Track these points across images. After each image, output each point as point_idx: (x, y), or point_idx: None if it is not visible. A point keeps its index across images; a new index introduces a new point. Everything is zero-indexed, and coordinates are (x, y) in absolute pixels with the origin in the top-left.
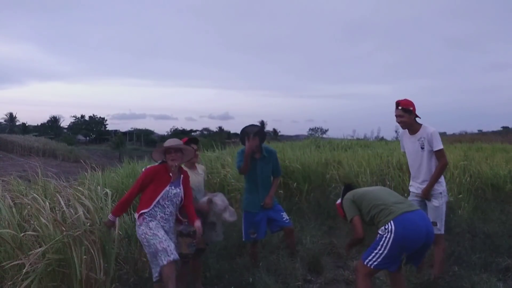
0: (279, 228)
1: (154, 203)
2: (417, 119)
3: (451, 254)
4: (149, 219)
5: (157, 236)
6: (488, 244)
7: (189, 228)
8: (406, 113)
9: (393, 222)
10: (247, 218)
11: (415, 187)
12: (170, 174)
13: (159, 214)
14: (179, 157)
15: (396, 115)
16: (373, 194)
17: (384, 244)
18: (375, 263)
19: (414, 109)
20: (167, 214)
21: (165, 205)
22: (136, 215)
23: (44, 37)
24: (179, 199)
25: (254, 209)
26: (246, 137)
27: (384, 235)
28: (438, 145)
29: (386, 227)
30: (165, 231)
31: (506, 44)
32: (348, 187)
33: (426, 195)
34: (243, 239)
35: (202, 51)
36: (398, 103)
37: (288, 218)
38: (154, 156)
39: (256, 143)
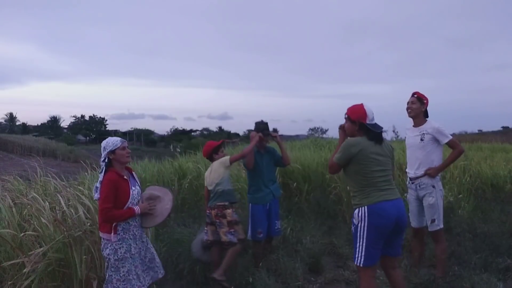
0: (270, 235)
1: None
2: (426, 118)
3: (451, 254)
4: (123, 236)
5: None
6: (488, 244)
7: (237, 216)
8: (418, 101)
9: (367, 210)
10: (255, 214)
11: (412, 173)
12: (125, 176)
13: (132, 223)
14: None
15: (408, 102)
16: (371, 168)
17: (361, 235)
18: (363, 259)
19: (427, 103)
20: (138, 220)
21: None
22: (101, 234)
23: (44, 37)
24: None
25: (265, 201)
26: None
27: (359, 225)
28: (446, 138)
29: (360, 213)
30: (139, 239)
31: (506, 44)
32: (363, 127)
33: (430, 172)
34: (249, 238)
35: (201, 51)
36: (414, 93)
37: (279, 227)
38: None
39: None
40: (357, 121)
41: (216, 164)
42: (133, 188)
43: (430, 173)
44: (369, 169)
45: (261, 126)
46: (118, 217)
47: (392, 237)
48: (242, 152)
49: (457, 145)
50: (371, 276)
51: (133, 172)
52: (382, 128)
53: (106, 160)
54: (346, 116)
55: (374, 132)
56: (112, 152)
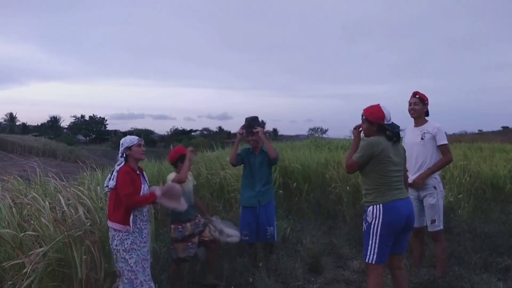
0: (260, 240)
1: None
2: (426, 117)
3: (451, 254)
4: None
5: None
6: (488, 244)
7: (183, 233)
8: (421, 102)
9: (382, 208)
10: (243, 216)
11: (412, 173)
12: (138, 172)
13: (139, 217)
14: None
15: (410, 102)
16: (389, 167)
17: (374, 232)
18: (374, 257)
19: (428, 103)
20: (145, 215)
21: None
22: (112, 224)
23: (44, 37)
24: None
25: (250, 204)
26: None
27: (372, 222)
28: (443, 140)
29: (374, 211)
30: (145, 235)
31: (506, 44)
32: (381, 128)
33: (417, 182)
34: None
35: (201, 51)
36: (416, 93)
37: (273, 234)
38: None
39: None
40: (376, 122)
41: (167, 178)
42: (143, 185)
43: (415, 185)
44: (388, 168)
45: (245, 124)
46: (142, 201)
47: (401, 235)
48: (182, 171)
49: (448, 152)
50: (380, 274)
51: (144, 172)
52: (399, 127)
53: (124, 156)
54: (364, 117)
55: (393, 132)
56: (129, 148)
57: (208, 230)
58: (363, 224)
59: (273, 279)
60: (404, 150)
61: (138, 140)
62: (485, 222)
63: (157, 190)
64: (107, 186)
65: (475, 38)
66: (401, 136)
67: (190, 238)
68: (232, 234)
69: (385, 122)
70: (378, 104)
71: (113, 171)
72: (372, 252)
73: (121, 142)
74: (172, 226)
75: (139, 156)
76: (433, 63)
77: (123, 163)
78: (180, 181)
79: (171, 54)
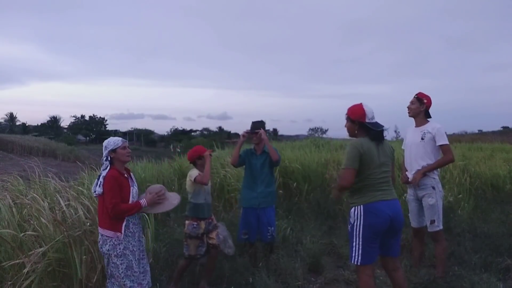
0: (264, 242)
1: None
2: (428, 118)
3: (451, 254)
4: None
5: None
6: (488, 244)
7: (197, 230)
8: (417, 101)
9: (363, 209)
10: (243, 216)
11: (412, 173)
12: (126, 175)
13: (131, 221)
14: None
15: (409, 102)
16: (373, 169)
17: (357, 233)
18: (359, 258)
19: (428, 103)
20: (137, 218)
21: None
22: (102, 231)
23: (44, 37)
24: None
25: (250, 205)
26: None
27: (355, 224)
28: (442, 141)
29: (355, 212)
30: (137, 238)
31: (506, 44)
32: (363, 127)
33: (415, 179)
34: (237, 239)
35: (201, 51)
36: (417, 93)
37: (273, 234)
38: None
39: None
40: (357, 120)
41: (188, 174)
42: (132, 188)
43: (413, 181)
44: (372, 170)
45: (251, 126)
46: (127, 211)
47: (389, 237)
48: (205, 175)
49: (449, 152)
50: (369, 275)
51: (131, 173)
52: (383, 126)
53: (108, 159)
54: (346, 116)
55: (374, 131)
56: (113, 151)
57: (216, 233)
58: (348, 225)
59: (273, 279)
60: (392, 149)
61: (123, 142)
62: (485, 222)
63: (142, 200)
64: (95, 192)
65: (475, 38)
66: (384, 135)
67: (202, 237)
68: (231, 245)
69: (367, 121)
70: (361, 103)
71: (99, 176)
72: (356, 254)
73: (104, 145)
74: (187, 221)
75: (124, 159)
76: (433, 63)
77: (108, 167)
78: (202, 183)
79: (171, 54)
